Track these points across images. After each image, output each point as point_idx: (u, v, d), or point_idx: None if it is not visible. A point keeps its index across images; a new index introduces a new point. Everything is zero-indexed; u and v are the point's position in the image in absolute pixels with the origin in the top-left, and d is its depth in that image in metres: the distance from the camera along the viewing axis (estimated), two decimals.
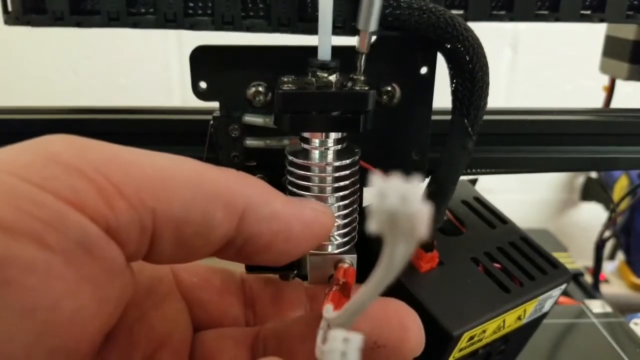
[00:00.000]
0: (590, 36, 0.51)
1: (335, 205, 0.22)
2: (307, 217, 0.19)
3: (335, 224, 0.22)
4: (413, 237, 0.11)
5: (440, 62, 0.24)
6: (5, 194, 0.14)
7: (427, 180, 0.25)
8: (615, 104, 0.52)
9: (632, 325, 0.44)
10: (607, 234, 0.58)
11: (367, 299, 0.14)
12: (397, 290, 0.22)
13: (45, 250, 0.14)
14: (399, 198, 0.11)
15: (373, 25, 0.21)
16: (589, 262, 0.62)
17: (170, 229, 0.16)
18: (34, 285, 0.13)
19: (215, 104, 0.25)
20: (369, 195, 0.27)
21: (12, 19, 0.23)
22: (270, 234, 0.18)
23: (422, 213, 0.11)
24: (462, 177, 0.29)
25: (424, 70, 0.25)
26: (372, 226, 0.11)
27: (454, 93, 0.23)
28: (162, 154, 0.17)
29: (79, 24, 0.23)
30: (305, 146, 0.22)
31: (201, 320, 0.22)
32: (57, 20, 0.23)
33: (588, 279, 0.59)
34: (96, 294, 0.15)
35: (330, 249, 0.23)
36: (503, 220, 0.28)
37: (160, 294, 0.21)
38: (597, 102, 0.54)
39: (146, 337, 0.19)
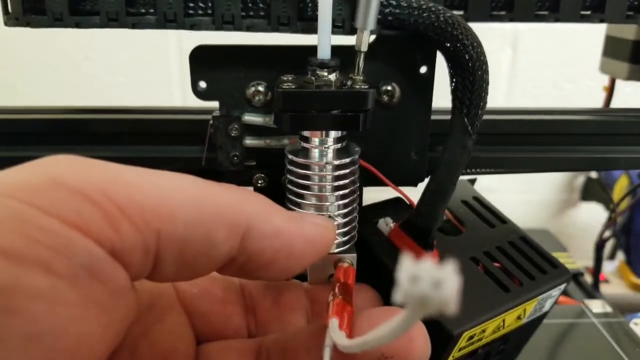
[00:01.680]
0: (590, 36, 0.51)
1: (335, 204, 0.22)
2: (308, 233, 0.19)
3: (335, 224, 0.22)
4: (439, 313, 0.11)
5: (440, 61, 0.24)
6: (9, 219, 0.13)
7: (427, 180, 0.25)
8: (615, 104, 0.52)
9: (632, 325, 0.43)
10: (607, 234, 0.58)
11: (381, 341, 0.14)
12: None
13: (51, 277, 0.13)
14: (432, 283, 0.10)
15: (371, 24, 0.21)
16: (589, 262, 0.62)
17: (173, 249, 0.16)
18: (40, 312, 0.13)
19: (215, 104, 0.25)
20: (369, 196, 0.27)
21: (12, 20, 0.24)
22: (273, 251, 0.18)
23: (454, 297, 0.11)
24: (462, 177, 0.29)
25: (423, 69, 0.25)
26: (399, 300, 0.11)
27: (454, 92, 0.23)
28: (164, 172, 0.17)
29: (78, 25, 0.23)
30: (305, 145, 0.22)
31: (203, 331, 0.22)
32: (57, 21, 0.23)
33: (588, 279, 0.59)
34: (102, 317, 0.15)
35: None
36: (502, 220, 0.28)
37: (162, 308, 0.21)
38: (597, 102, 0.54)
39: (149, 353, 0.19)
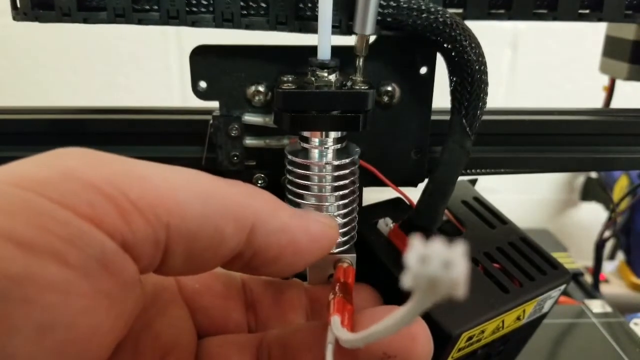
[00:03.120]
0: (590, 36, 0.51)
1: (335, 204, 0.22)
2: (313, 231, 0.19)
3: None
4: (448, 296, 0.11)
5: (440, 61, 0.24)
6: (24, 210, 0.14)
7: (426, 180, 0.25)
8: (615, 104, 0.51)
9: (632, 325, 0.43)
10: (607, 234, 0.58)
11: (385, 332, 0.14)
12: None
13: (64, 268, 0.14)
14: (442, 264, 0.10)
15: (369, 28, 0.21)
16: (589, 262, 0.62)
17: (182, 243, 0.16)
18: (53, 303, 0.13)
19: (215, 104, 0.25)
20: (369, 196, 0.27)
21: (21, 15, 0.24)
22: (279, 247, 0.18)
23: (463, 278, 0.10)
24: (462, 177, 0.29)
25: (423, 70, 0.25)
26: (407, 284, 0.11)
27: (453, 93, 0.23)
28: (173, 167, 0.17)
29: (85, 20, 0.23)
30: (305, 145, 0.22)
31: (204, 326, 0.22)
32: (65, 16, 0.23)
33: (588, 279, 0.59)
34: (112, 309, 0.15)
35: None
36: (503, 220, 0.28)
37: (165, 302, 0.21)
38: (597, 102, 0.54)
39: (152, 346, 0.19)
